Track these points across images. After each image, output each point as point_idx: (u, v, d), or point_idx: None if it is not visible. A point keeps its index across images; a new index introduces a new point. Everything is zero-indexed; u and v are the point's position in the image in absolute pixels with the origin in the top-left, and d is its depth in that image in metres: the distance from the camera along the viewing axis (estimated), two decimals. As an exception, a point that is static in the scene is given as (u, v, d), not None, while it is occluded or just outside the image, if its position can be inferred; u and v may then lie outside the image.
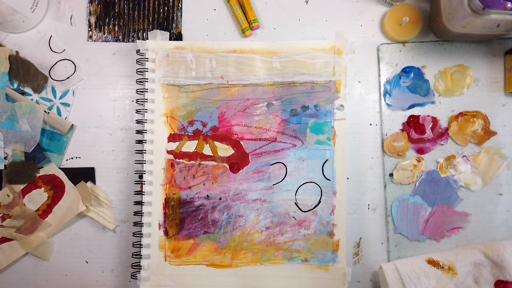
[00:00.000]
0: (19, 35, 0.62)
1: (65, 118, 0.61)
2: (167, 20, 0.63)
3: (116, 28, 0.63)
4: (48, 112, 0.60)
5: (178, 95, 0.60)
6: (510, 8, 0.48)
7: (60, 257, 0.61)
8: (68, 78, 0.62)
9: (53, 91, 0.62)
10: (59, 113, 0.62)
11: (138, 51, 0.60)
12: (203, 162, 0.59)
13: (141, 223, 0.58)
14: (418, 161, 0.59)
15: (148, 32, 0.61)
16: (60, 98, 0.62)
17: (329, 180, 0.58)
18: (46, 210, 0.60)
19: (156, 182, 0.59)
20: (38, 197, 0.60)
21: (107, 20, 0.63)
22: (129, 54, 0.62)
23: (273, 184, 0.59)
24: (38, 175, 0.60)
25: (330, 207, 0.58)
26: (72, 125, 0.61)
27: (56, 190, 0.60)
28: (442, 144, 0.60)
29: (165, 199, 0.59)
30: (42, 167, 0.60)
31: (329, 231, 0.58)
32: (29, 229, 0.59)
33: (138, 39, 0.63)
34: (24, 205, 0.60)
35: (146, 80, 0.59)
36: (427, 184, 0.59)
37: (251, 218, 0.59)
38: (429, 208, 0.59)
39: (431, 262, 0.55)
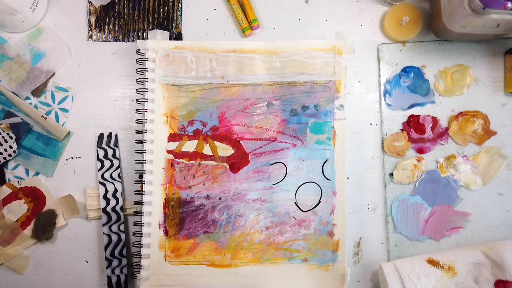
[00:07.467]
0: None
1: (63, 124, 0.61)
2: (167, 19, 0.63)
3: (116, 28, 0.63)
4: (46, 117, 0.60)
5: (178, 95, 0.60)
6: (510, 8, 0.48)
7: (60, 257, 0.61)
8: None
9: (52, 96, 0.62)
10: (57, 118, 0.61)
11: (138, 50, 0.60)
12: (203, 162, 0.59)
13: (141, 223, 0.58)
14: (418, 161, 0.59)
15: (148, 31, 0.61)
16: (59, 103, 0.62)
17: (329, 180, 0.58)
18: (25, 222, 0.60)
19: (156, 182, 0.59)
20: (17, 208, 0.60)
21: (107, 20, 0.63)
22: (129, 54, 0.62)
23: (273, 184, 0.59)
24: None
25: (330, 207, 0.58)
26: (69, 132, 0.61)
27: (36, 202, 0.60)
28: (442, 144, 0.59)
29: (165, 198, 0.59)
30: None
31: (329, 231, 0.58)
32: (6, 240, 0.59)
33: (138, 38, 0.63)
34: (4, 215, 0.59)
35: (146, 80, 0.59)
36: (427, 184, 0.59)
37: (251, 218, 0.59)
38: (429, 208, 0.59)
39: (431, 262, 0.55)
